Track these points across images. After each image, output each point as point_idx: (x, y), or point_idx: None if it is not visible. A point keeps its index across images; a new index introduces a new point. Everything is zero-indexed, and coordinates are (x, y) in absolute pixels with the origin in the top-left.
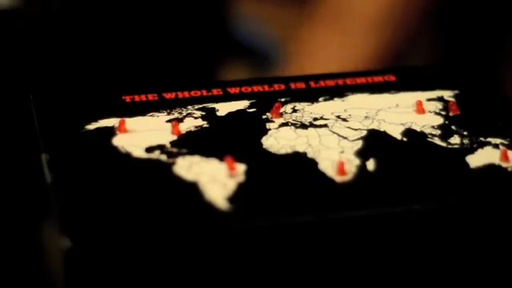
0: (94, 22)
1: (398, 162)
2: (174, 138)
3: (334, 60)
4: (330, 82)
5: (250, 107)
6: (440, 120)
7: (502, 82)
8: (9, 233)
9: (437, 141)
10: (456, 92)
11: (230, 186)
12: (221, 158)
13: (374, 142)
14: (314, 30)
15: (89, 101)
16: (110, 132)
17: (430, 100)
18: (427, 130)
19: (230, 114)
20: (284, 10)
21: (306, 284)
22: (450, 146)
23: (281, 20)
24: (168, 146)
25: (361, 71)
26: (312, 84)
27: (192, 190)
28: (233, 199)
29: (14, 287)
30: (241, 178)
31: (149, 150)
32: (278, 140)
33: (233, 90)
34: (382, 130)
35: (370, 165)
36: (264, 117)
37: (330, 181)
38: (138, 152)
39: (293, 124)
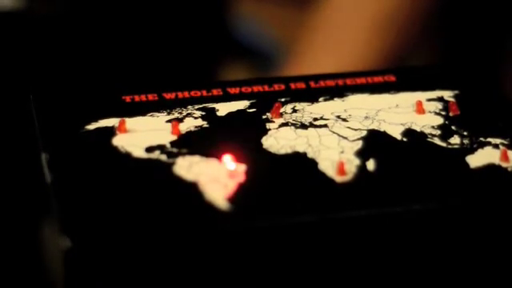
0: (94, 22)
1: (398, 162)
2: (174, 137)
3: (334, 60)
4: (330, 82)
5: (250, 107)
6: (440, 120)
7: (502, 82)
8: (9, 233)
9: (437, 141)
10: (456, 92)
11: (230, 186)
12: (221, 158)
13: (374, 142)
14: (314, 30)
15: (89, 101)
16: (110, 132)
17: (429, 100)
18: (427, 130)
19: (229, 113)
20: (284, 10)
21: (306, 284)
22: (449, 146)
23: (281, 20)
24: (168, 146)
25: (361, 71)
26: (312, 84)
27: (192, 189)
28: (233, 199)
29: (14, 287)
30: (241, 177)
31: (149, 149)
32: (278, 140)
33: (233, 90)
34: (382, 130)
35: (370, 165)
36: (264, 117)
37: (330, 181)
38: (138, 152)
39: (293, 124)
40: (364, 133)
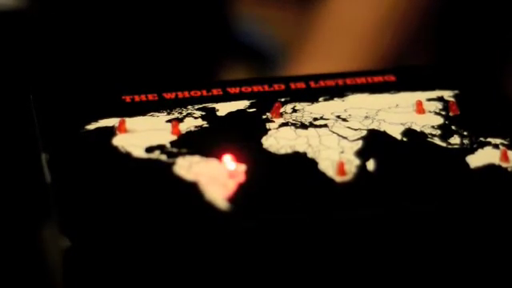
0: (94, 22)
1: (398, 162)
2: (174, 137)
3: (334, 60)
4: (330, 82)
5: (250, 107)
6: (440, 120)
7: (502, 82)
8: (8, 233)
9: (437, 141)
10: (456, 92)
11: (230, 186)
12: (221, 158)
13: (374, 142)
14: (314, 30)
15: (89, 101)
16: (110, 132)
17: (429, 100)
18: (427, 130)
19: (230, 113)
20: (284, 10)
21: (306, 284)
22: (449, 146)
23: (281, 20)
24: (168, 146)
25: (361, 71)
26: (312, 84)
27: (192, 189)
28: (233, 199)
29: (14, 287)
30: (241, 178)
31: (149, 149)
32: (278, 140)
33: (233, 90)
34: (381, 130)
35: (370, 165)
36: (264, 117)
37: (330, 181)
38: (138, 152)
39: (293, 124)
40: (364, 133)
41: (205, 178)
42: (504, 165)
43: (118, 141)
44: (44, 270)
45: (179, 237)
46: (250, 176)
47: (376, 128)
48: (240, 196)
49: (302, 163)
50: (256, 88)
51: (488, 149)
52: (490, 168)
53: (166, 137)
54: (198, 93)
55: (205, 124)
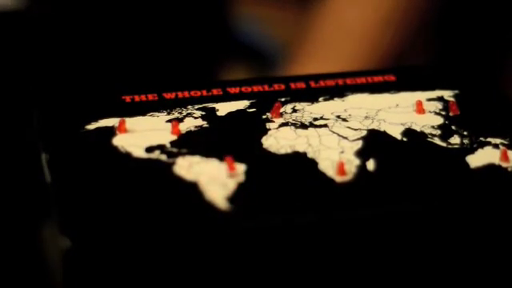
0: (94, 23)
1: (398, 162)
2: (174, 137)
3: (334, 60)
4: (330, 82)
5: (250, 107)
6: (440, 120)
7: (502, 82)
8: (8, 233)
9: (437, 141)
10: (456, 92)
11: (230, 185)
12: (221, 158)
13: (374, 142)
14: (314, 30)
15: (89, 101)
16: (110, 132)
17: (430, 100)
18: (427, 130)
19: (230, 113)
20: (284, 10)
21: (306, 284)
22: (450, 146)
23: (281, 20)
24: (168, 146)
25: (361, 71)
26: (312, 84)
27: (192, 189)
28: (233, 199)
29: (14, 287)
30: (241, 177)
31: (149, 149)
32: (278, 140)
33: (233, 90)
34: (381, 129)
35: (370, 165)
36: (264, 117)
37: (330, 181)
38: (138, 152)
39: (293, 124)
40: (364, 133)
41: (205, 177)
42: (504, 165)
43: (118, 141)
44: (44, 270)
45: (179, 237)
46: (249, 176)
47: (376, 128)
48: (240, 196)
49: (302, 163)
50: (256, 88)
51: (488, 149)
52: (490, 168)
53: (166, 137)
54: (198, 93)
55: (205, 124)
